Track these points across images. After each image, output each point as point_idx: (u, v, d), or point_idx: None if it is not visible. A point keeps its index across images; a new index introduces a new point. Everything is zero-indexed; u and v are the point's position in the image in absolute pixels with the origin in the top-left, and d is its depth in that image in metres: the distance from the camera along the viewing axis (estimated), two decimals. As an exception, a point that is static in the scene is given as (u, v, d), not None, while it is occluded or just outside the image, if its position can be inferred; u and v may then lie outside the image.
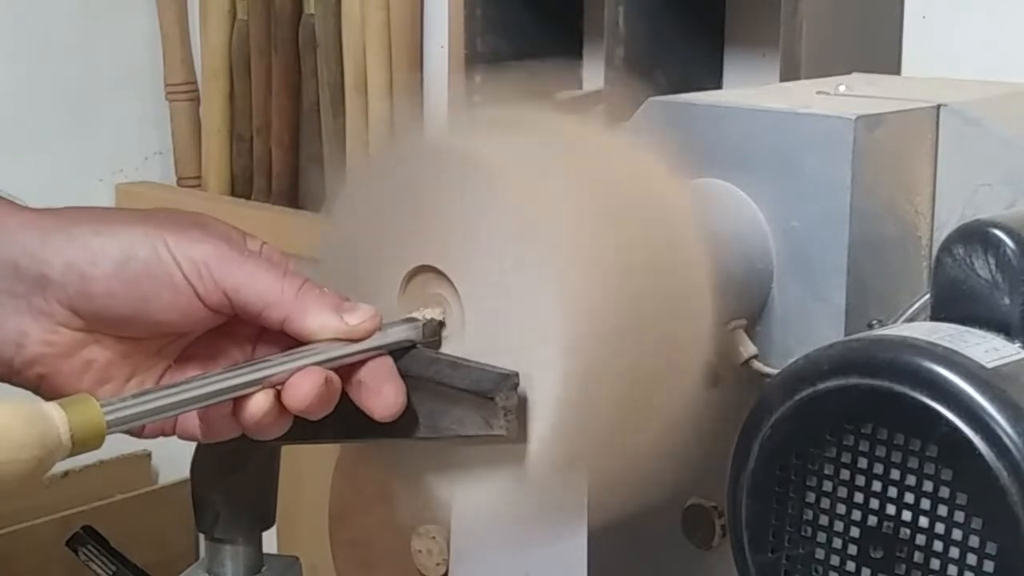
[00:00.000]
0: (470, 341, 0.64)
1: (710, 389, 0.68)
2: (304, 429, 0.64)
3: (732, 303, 0.72)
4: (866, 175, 0.72)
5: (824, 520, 0.65)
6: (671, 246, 0.65)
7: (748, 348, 0.74)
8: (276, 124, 1.79)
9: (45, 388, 0.65)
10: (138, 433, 0.62)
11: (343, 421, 0.63)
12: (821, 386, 0.64)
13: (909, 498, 0.62)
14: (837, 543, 0.64)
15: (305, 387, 0.61)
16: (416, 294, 0.66)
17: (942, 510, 0.61)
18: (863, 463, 0.63)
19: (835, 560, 0.64)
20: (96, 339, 0.65)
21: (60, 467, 0.57)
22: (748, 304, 0.74)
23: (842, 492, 0.64)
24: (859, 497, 0.63)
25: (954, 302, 0.66)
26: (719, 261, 0.66)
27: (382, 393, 0.62)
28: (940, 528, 0.61)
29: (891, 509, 0.62)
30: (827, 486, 0.64)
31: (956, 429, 0.60)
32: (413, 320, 0.65)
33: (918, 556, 0.61)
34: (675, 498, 0.80)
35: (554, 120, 0.69)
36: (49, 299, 0.64)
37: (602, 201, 0.63)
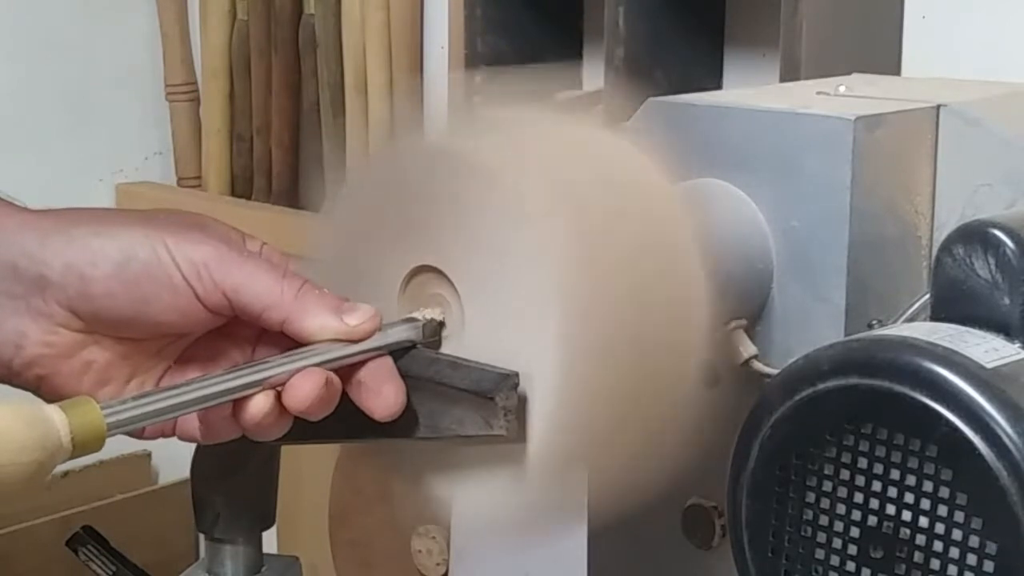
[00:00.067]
0: (470, 341, 0.64)
1: (710, 389, 0.68)
2: (304, 429, 0.64)
3: (732, 303, 0.72)
4: (866, 175, 0.72)
5: (824, 520, 0.65)
6: (671, 246, 0.65)
7: (748, 348, 0.74)
8: (276, 124, 1.79)
9: (44, 389, 0.65)
10: (138, 435, 0.62)
11: (343, 421, 0.63)
12: (821, 386, 0.64)
13: (909, 498, 0.62)
14: (837, 543, 0.64)
15: (306, 388, 0.61)
16: (416, 294, 0.66)
17: (942, 510, 0.61)
18: (863, 463, 0.63)
19: (835, 560, 0.64)
20: (95, 340, 0.65)
21: (60, 467, 0.57)
22: (748, 304, 0.74)
23: (842, 492, 0.64)
24: (859, 497, 0.63)
25: (954, 302, 0.66)
26: (719, 261, 0.66)
27: (382, 393, 0.62)
28: (940, 528, 0.61)
29: (891, 509, 0.62)
30: (827, 486, 0.64)
31: (956, 429, 0.60)
32: (413, 320, 0.65)
33: (918, 556, 0.61)
34: (675, 498, 0.80)
35: (554, 120, 0.69)
36: (48, 300, 0.64)
37: (602, 201, 0.63)
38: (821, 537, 0.65)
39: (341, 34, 1.68)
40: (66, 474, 1.79)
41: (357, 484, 1.24)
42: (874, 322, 0.72)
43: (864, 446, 0.63)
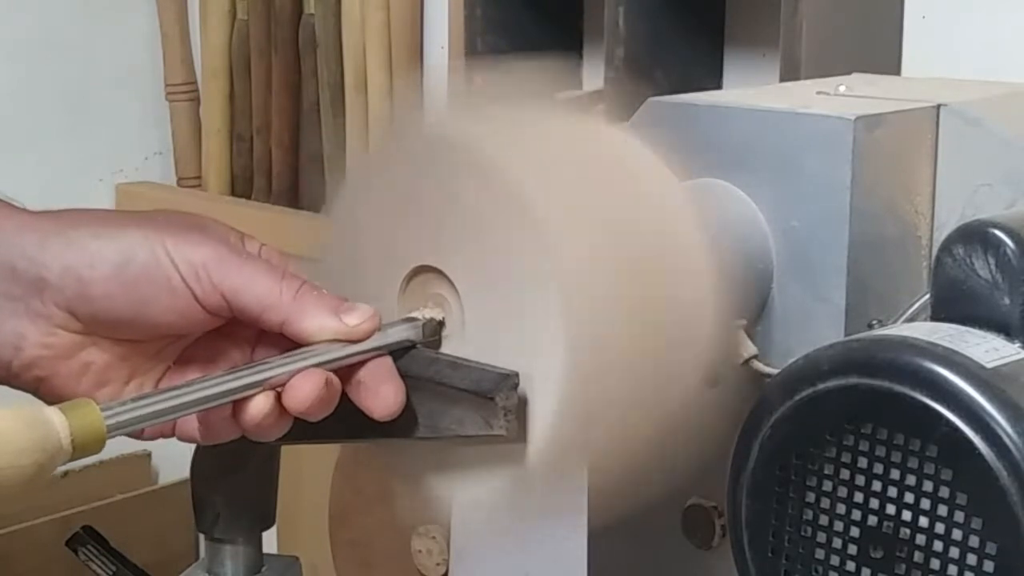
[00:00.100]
0: (470, 341, 0.64)
1: (710, 389, 0.68)
2: (304, 429, 0.64)
3: (732, 303, 0.72)
4: (866, 175, 0.72)
5: (824, 520, 0.65)
6: (672, 246, 0.65)
7: (748, 348, 0.74)
8: (276, 124, 1.79)
9: (44, 390, 0.65)
10: (138, 435, 0.62)
11: (343, 421, 0.63)
12: (821, 386, 0.64)
13: (909, 498, 0.62)
14: (837, 543, 0.64)
15: (306, 389, 0.61)
16: (416, 294, 0.66)
17: (942, 510, 0.61)
18: (863, 463, 0.63)
19: (835, 560, 0.64)
20: (94, 341, 0.65)
21: (60, 467, 0.57)
22: (748, 304, 0.74)
23: (842, 492, 0.64)
24: (859, 497, 0.63)
25: (954, 302, 0.66)
26: (719, 261, 0.66)
27: (381, 393, 0.62)
28: (940, 528, 0.61)
29: (891, 509, 0.62)
30: (827, 486, 0.64)
31: (956, 429, 0.60)
32: (413, 320, 0.65)
33: (918, 556, 0.61)
34: (675, 498, 0.80)
35: (554, 120, 0.69)
36: (47, 302, 0.64)
37: (604, 199, 0.63)
38: (821, 537, 0.65)
39: (341, 34, 1.68)
40: (66, 474, 1.79)
41: (357, 484, 1.24)
42: (874, 322, 0.72)
43: (864, 446, 0.63)
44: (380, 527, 1.21)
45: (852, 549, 0.64)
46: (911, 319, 0.72)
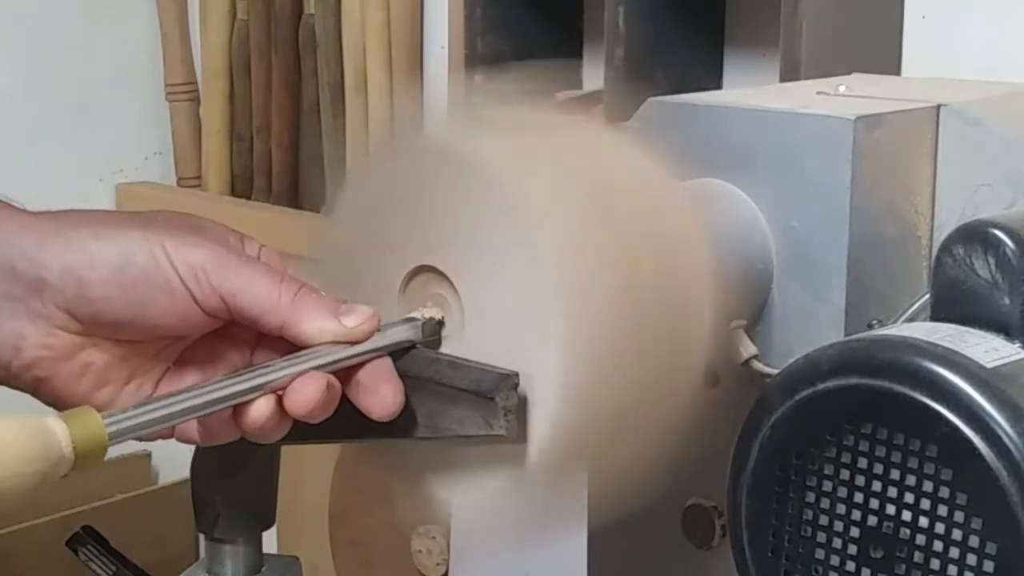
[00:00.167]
0: (470, 341, 0.64)
1: (710, 389, 0.68)
2: (304, 430, 0.64)
3: (732, 303, 0.72)
4: (866, 175, 0.72)
5: (824, 520, 0.65)
6: (672, 246, 0.65)
7: (748, 348, 0.74)
8: (276, 124, 1.79)
9: (43, 391, 0.65)
10: (137, 437, 0.62)
11: (343, 421, 0.63)
12: (821, 386, 0.64)
13: (909, 498, 0.62)
14: (837, 543, 0.64)
15: (308, 392, 0.61)
16: (416, 294, 0.66)
17: (942, 510, 0.61)
18: (863, 463, 0.63)
19: (835, 560, 0.64)
20: (94, 342, 0.65)
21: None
22: (748, 304, 0.74)
23: (842, 492, 0.64)
24: (859, 497, 0.63)
25: (954, 302, 0.66)
26: (719, 261, 0.66)
27: (380, 393, 0.62)
28: (940, 528, 0.61)
29: (891, 509, 0.62)
30: (827, 486, 0.64)
31: (956, 429, 0.60)
32: (413, 320, 0.65)
33: (918, 556, 0.61)
34: (675, 498, 0.80)
35: (554, 120, 0.69)
36: (47, 302, 0.64)
37: (602, 201, 0.63)
38: (821, 537, 0.65)
39: (341, 34, 1.68)
40: (66, 474, 1.79)
41: (357, 484, 1.24)
42: (874, 322, 0.72)
43: (864, 446, 0.63)
44: (380, 527, 1.21)
45: (852, 549, 0.64)
46: (911, 319, 0.72)
